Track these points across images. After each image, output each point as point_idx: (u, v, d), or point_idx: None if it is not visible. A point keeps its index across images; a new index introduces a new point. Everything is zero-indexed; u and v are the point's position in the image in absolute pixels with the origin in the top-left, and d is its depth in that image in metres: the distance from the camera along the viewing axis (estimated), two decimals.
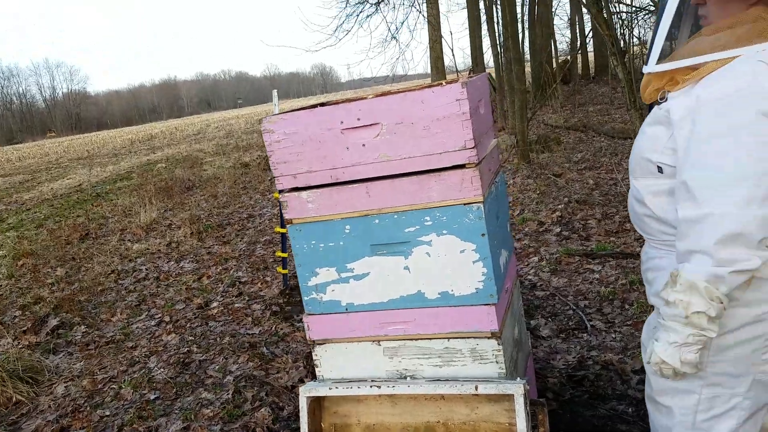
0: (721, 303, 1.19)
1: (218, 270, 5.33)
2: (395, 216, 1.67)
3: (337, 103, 1.78)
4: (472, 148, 1.57)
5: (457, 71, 16.87)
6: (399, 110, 1.59)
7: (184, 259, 5.87)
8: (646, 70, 1.35)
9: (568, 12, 14.92)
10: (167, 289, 5.01)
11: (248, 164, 12.35)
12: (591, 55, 21.41)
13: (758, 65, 1.15)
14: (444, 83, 1.85)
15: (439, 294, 1.69)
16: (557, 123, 11.28)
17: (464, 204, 1.61)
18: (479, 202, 1.60)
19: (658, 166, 1.35)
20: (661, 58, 1.32)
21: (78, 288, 5.31)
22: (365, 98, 1.68)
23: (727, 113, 1.16)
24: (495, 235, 1.71)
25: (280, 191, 1.77)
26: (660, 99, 1.35)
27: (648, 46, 1.36)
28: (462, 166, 1.59)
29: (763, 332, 1.29)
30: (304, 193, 1.73)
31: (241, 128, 26.69)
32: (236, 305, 4.33)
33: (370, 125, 1.62)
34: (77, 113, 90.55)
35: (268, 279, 4.84)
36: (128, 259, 6.15)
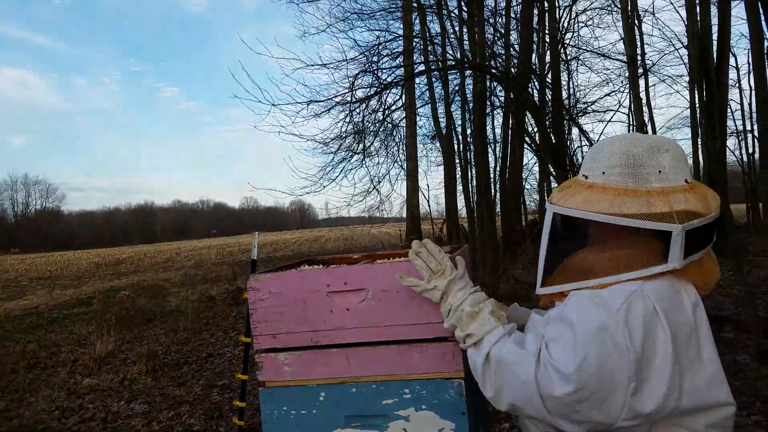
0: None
1: (170, 414, 4.99)
2: (373, 386, 1.62)
3: (324, 262, 1.80)
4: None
5: (432, 220, 17.47)
6: (386, 278, 1.61)
7: (136, 399, 5.51)
8: (537, 292, 1.45)
9: (537, 178, 15.90)
10: None
11: (214, 298, 12.11)
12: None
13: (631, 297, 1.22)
14: None
15: None
16: (527, 280, 11.49)
17: (445, 378, 1.58)
18: (460, 377, 1.57)
19: None
20: (545, 280, 1.42)
21: (17, 424, 4.88)
22: (353, 263, 1.71)
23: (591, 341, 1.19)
24: (475, 413, 1.66)
25: (257, 351, 1.71)
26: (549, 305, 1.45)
27: (537, 268, 1.46)
28: (445, 339, 1.58)
29: None
30: (281, 355, 1.67)
31: (212, 259, 26.57)
32: None
33: (356, 290, 1.63)
34: (46, 231, 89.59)
35: (222, 430, 4.53)
36: (76, 395, 5.74)
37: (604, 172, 1.33)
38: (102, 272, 23.14)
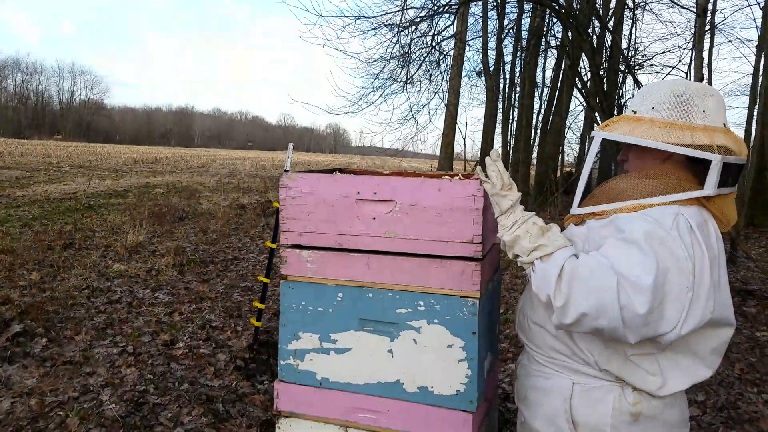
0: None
1: (191, 308, 5.21)
2: (389, 293, 1.65)
3: (356, 172, 1.80)
4: (479, 243, 1.58)
5: (465, 159, 17.23)
6: (415, 193, 1.61)
7: (161, 289, 5.75)
8: (571, 212, 1.55)
9: (581, 127, 15.41)
10: (137, 317, 4.87)
11: (245, 206, 12.35)
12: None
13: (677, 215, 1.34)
14: (462, 176, 1.88)
15: (417, 388, 1.64)
16: None
17: (461, 296, 1.60)
18: (476, 297, 1.59)
19: None
20: (582, 202, 1.53)
21: (49, 297, 5.16)
22: (384, 174, 1.71)
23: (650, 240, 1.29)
24: (484, 335, 1.69)
25: (282, 246, 1.75)
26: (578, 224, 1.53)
27: (575, 191, 1.55)
28: (465, 258, 1.59)
29: None
30: (305, 252, 1.71)
31: (246, 170, 26.90)
32: (202, 350, 4.20)
33: (385, 201, 1.63)
34: (89, 122, 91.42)
35: (239, 329, 4.72)
36: (106, 277, 6.02)
37: (653, 108, 1.45)
38: (139, 168, 23.71)
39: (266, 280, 4.35)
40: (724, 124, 1.43)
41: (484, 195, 1.56)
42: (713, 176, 1.37)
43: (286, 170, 4.32)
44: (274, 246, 4.36)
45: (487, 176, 1.48)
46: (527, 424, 1.54)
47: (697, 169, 1.41)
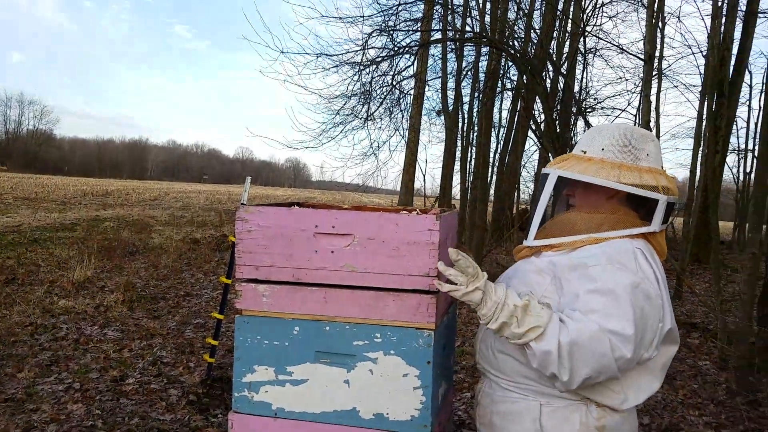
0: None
1: (142, 344, 5.06)
2: (347, 327, 1.66)
3: (314, 206, 1.82)
4: (435, 276, 1.61)
5: (425, 195, 17.47)
6: (373, 227, 1.64)
7: (110, 326, 5.57)
8: (527, 243, 1.66)
9: (536, 166, 15.89)
10: (84, 354, 4.70)
11: (198, 241, 12.14)
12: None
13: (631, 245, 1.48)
14: (419, 211, 1.93)
15: (373, 415, 1.64)
16: (508, 264, 11.62)
17: (416, 328, 1.62)
18: (431, 329, 1.61)
19: None
20: (537, 233, 1.64)
21: None
22: (342, 208, 1.73)
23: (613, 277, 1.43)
24: (439, 364, 1.71)
25: (237, 280, 1.74)
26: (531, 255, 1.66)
27: (527, 224, 1.68)
28: (421, 291, 1.62)
29: None
30: (261, 286, 1.71)
31: (200, 203, 26.47)
32: (153, 386, 4.07)
33: (343, 234, 1.66)
34: (36, 152, 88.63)
35: (192, 365, 4.61)
36: (51, 314, 5.79)
37: (603, 149, 1.57)
38: (89, 201, 23.04)
39: (220, 317, 4.28)
40: (661, 167, 1.59)
41: (440, 228, 1.60)
42: (659, 215, 1.51)
43: (242, 203, 4.30)
44: (228, 281, 4.30)
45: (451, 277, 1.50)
46: None
47: (638, 206, 1.55)
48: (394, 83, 9.77)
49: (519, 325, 1.41)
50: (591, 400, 1.49)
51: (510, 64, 10.30)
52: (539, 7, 12.28)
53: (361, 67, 8.48)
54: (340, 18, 8.39)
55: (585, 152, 1.60)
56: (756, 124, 16.39)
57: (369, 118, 9.93)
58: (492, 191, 14.62)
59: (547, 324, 1.39)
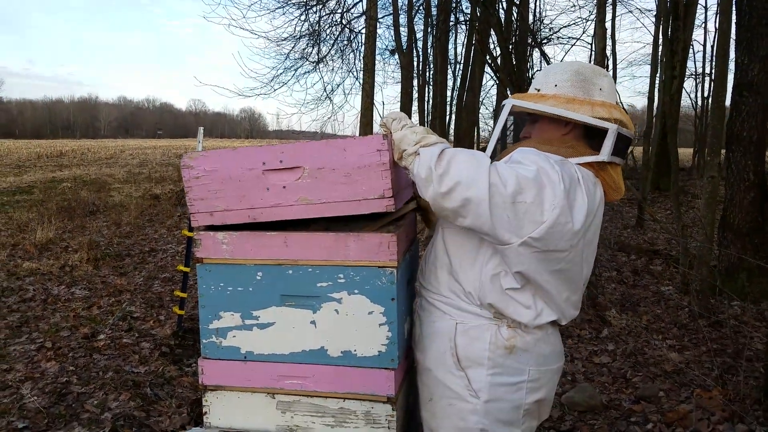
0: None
1: (111, 301, 5.03)
2: (309, 269, 1.67)
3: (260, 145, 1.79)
4: (390, 197, 1.61)
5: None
6: (321, 156, 1.62)
7: (77, 285, 5.50)
8: None
9: (494, 102, 15.85)
10: (54, 313, 4.65)
11: (158, 197, 11.92)
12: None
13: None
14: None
15: (341, 353, 1.69)
16: None
17: (379, 267, 1.64)
18: (393, 266, 1.64)
19: None
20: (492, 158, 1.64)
21: None
22: (288, 142, 1.70)
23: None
24: (403, 301, 1.75)
25: (195, 229, 1.73)
26: None
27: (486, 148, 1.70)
28: (379, 218, 1.64)
29: (519, 400, 1.56)
30: (219, 234, 1.70)
31: (157, 159, 25.80)
32: (124, 340, 4.08)
33: (292, 168, 1.64)
34: None
35: (162, 318, 4.61)
36: (16, 276, 5.68)
37: (556, 85, 1.60)
38: (43, 163, 22.23)
39: (186, 269, 4.27)
40: (617, 102, 1.62)
41: (389, 148, 1.59)
42: (609, 143, 1.52)
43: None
44: (191, 234, 4.26)
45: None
46: (422, 365, 1.70)
47: (593, 143, 1.57)
48: (344, 22, 9.50)
49: (416, 135, 1.52)
50: (503, 317, 1.55)
51: None
52: None
53: (308, 6, 8.20)
54: None
55: (539, 90, 1.64)
56: (712, 47, 16.51)
57: (320, 61, 9.67)
58: (452, 130, 14.60)
59: (441, 141, 1.51)
